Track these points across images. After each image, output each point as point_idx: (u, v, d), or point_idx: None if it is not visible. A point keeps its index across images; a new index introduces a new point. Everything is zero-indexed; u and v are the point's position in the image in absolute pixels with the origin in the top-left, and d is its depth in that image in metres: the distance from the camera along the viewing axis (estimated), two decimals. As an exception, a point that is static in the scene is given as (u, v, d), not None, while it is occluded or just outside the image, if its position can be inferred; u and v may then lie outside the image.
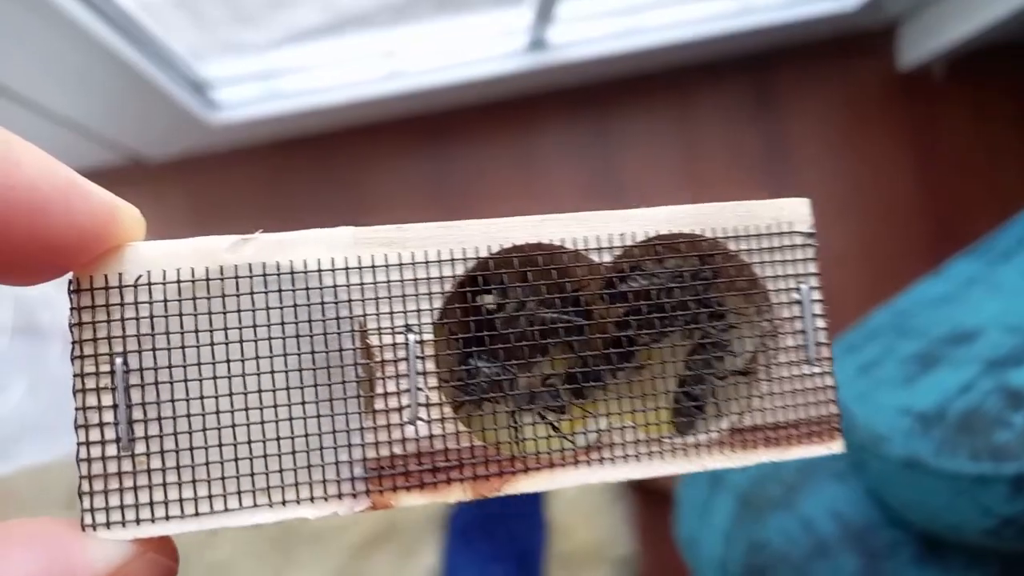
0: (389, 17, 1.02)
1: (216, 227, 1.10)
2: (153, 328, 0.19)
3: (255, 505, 0.19)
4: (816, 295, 0.23)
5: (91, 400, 0.19)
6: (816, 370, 0.23)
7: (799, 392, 0.23)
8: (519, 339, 0.22)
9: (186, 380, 0.19)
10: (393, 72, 1.03)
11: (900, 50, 1.16)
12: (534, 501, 0.76)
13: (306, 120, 1.07)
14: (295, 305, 0.20)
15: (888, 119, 1.18)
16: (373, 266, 0.21)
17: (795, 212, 0.24)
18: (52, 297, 0.84)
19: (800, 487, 0.62)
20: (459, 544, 0.74)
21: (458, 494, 0.21)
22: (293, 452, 0.20)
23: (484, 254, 0.21)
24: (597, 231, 0.22)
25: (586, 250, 0.22)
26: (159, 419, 0.19)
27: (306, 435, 0.20)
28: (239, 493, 0.19)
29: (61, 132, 0.90)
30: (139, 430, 0.19)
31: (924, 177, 1.17)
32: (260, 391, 0.20)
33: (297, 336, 0.20)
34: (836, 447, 0.24)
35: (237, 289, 0.20)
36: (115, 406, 0.19)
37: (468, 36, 1.03)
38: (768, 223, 0.23)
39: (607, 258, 0.22)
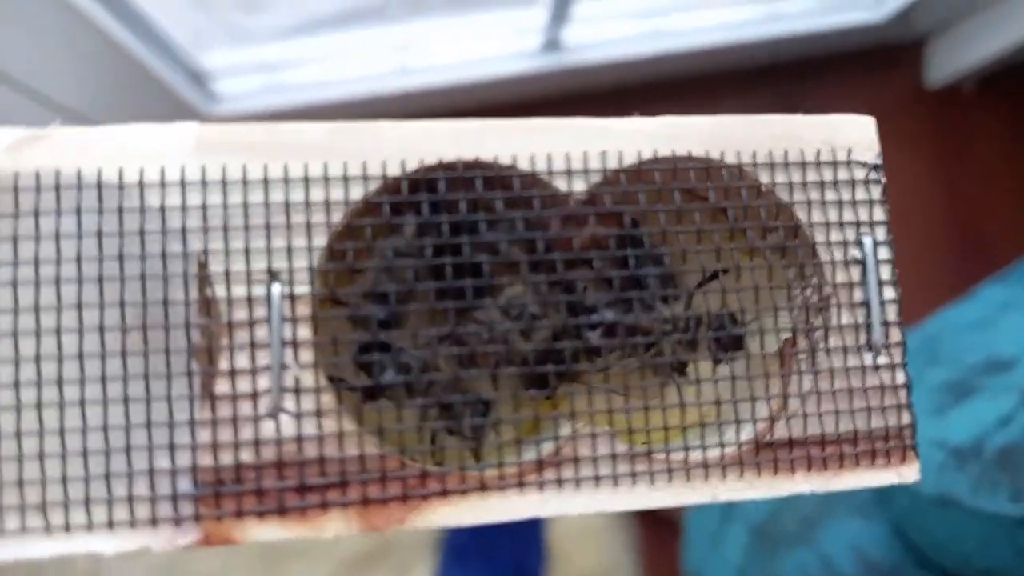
0: (401, 9, 0.98)
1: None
2: None
3: (23, 528, 0.13)
4: (885, 253, 0.16)
5: None
6: (882, 361, 0.16)
7: (857, 391, 0.16)
8: (439, 299, 0.15)
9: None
10: (402, 68, 0.98)
11: (929, 67, 1.15)
12: (534, 521, 0.70)
13: (311, 116, 1.02)
14: (101, 233, 0.13)
15: (916, 135, 1.15)
16: (224, 181, 0.14)
17: (855, 134, 0.17)
18: None
19: (819, 521, 0.56)
20: (453, 565, 0.68)
21: (337, 526, 0.14)
22: (84, 452, 0.13)
23: (395, 172, 0.15)
24: (566, 147, 0.15)
25: (549, 173, 0.15)
26: None
27: (105, 427, 0.13)
28: (1, 509, 0.13)
29: (52, 118, 0.86)
30: None
31: (953, 195, 1.14)
32: (38, 357, 0.13)
33: (100, 280, 0.13)
34: (909, 473, 0.17)
35: (16, 208, 0.13)
36: None
37: (481, 33, 0.99)
38: (817, 147, 0.16)
39: (580, 186, 0.15)
